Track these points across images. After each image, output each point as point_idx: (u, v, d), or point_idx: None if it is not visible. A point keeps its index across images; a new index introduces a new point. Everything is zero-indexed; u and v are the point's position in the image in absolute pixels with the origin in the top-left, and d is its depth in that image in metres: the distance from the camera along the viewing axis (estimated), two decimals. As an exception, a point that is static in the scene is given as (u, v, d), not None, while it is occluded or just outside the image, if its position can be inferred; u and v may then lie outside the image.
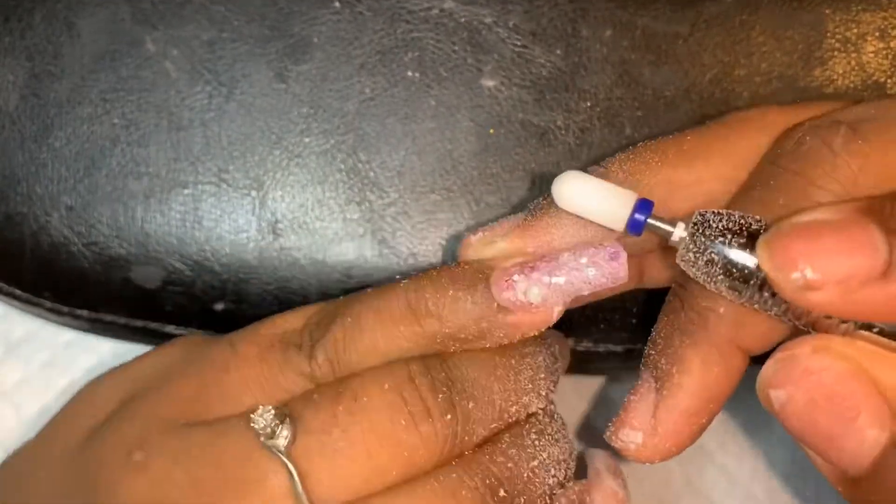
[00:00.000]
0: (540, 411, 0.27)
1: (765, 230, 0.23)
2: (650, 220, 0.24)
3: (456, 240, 0.31)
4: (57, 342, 0.37)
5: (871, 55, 0.31)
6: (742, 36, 0.31)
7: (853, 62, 0.31)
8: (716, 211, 0.24)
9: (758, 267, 0.22)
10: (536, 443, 0.26)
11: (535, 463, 0.26)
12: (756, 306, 0.23)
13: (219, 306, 0.32)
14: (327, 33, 0.32)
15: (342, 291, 0.32)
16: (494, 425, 0.26)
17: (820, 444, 0.22)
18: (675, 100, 0.32)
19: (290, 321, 0.28)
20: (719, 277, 0.23)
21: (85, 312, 0.32)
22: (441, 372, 0.25)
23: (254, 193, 0.32)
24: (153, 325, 0.32)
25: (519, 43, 0.32)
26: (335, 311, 0.27)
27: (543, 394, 0.27)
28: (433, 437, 0.25)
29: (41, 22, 0.31)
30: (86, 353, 0.36)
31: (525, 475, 0.25)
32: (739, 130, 0.27)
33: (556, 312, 0.25)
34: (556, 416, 0.28)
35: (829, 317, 0.22)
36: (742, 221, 0.23)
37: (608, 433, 0.26)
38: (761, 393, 0.23)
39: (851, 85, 0.31)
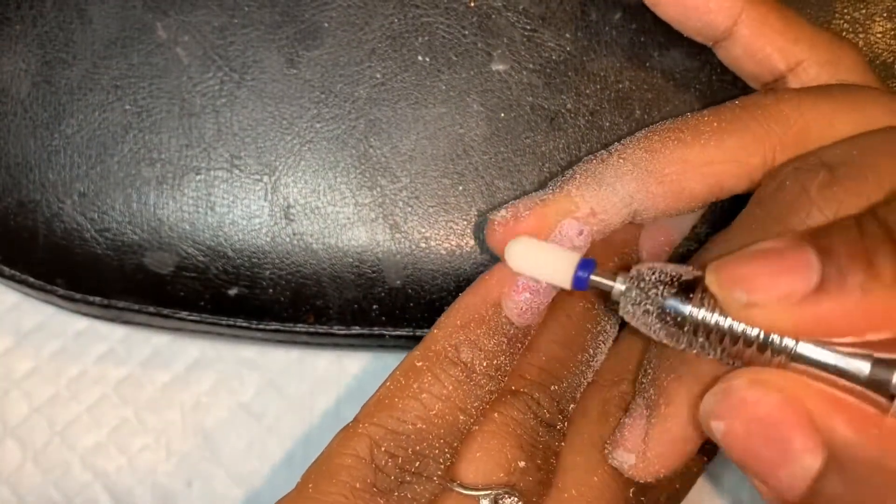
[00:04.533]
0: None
1: (698, 281, 0.24)
2: (593, 277, 0.26)
3: (468, 224, 0.32)
4: (67, 331, 0.37)
5: (879, 35, 0.32)
6: (750, 18, 0.32)
7: (861, 42, 0.31)
8: (651, 266, 0.25)
9: (690, 314, 0.24)
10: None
11: None
12: (695, 351, 0.24)
13: (232, 291, 0.32)
14: (338, 18, 0.32)
15: (355, 276, 0.32)
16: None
17: (759, 470, 0.23)
18: (685, 81, 0.32)
19: None
20: (656, 326, 0.24)
21: (98, 299, 0.32)
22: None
23: (266, 179, 0.32)
24: (166, 311, 0.32)
25: (528, 27, 0.32)
26: None
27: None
28: None
29: (52, 9, 0.32)
30: (97, 342, 0.37)
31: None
32: (753, 116, 0.28)
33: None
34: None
35: (763, 350, 0.23)
36: (674, 273, 0.25)
37: (606, 450, 0.28)
38: (703, 423, 0.24)
39: (859, 66, 0.32)
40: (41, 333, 0.37)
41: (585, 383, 0.29)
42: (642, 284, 0.25)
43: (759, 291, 0.22)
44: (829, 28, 0.32)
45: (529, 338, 0.28)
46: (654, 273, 0.25)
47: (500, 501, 0.26)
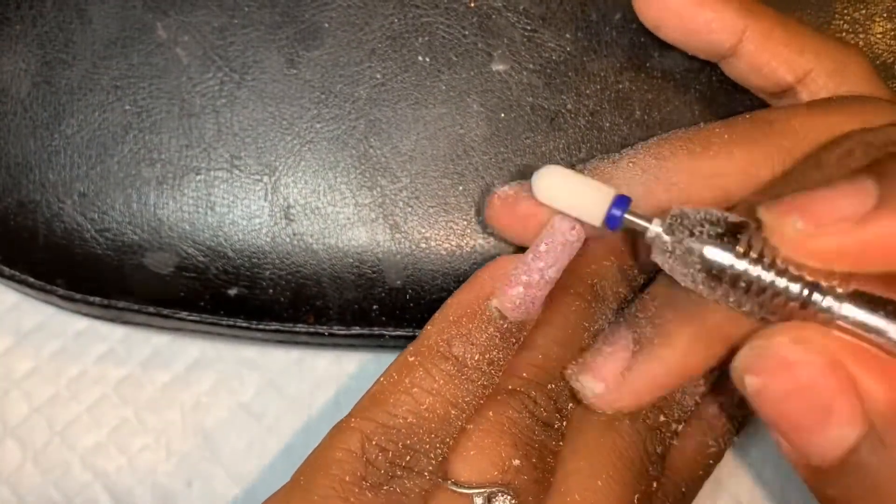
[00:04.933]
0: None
1: (743, 226, 0.23)
2: (627, 216, 0.24)
3: (468, 224, 0.32)
4: (67, 331, 0.37)
5: (879, 36, 0.32)
6: (750, 19, 0.32)
7: (861, 43, 0.31)
8: (694, 207, 0.24)
9: (733, 261, 0.22)
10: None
11: None
12: (730, 302, 0.23)
13: (232, 291, 0.32)
14: (338, 19, 0.32)
15: (355, 276, 0.32)
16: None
17: (790, 433, 0.22)
18: (685, 82, 0.32)
19: None
20: (695, 270, 0.23)
21: (98, 299, 0.32)
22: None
23: (266, 179, 0.32)
24: (166, 311, 0.32)
25: (529, 27, 0.32)
26: None
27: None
28: None
29: (52, 9, 0.32)
30: (97, 342, 0.37)
31: None
32: (763, 131, 0.28)
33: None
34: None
35: (805, 306, 0.22)
36: (720, 215, 0.23)
37: (569, 370, 0.27)
38: (735, 374, 0.23)
39: (859, 66, 0.32)
40: (41, 333, 0.37)
41: None
42: (685, 222, 0.23)
43: (816, 216, 0.21)
44: (833, 34, 0.32)
45: (525, 333, 0.28)
46: (698, 213, 0.23)
47: (494, 500, 0.26)
